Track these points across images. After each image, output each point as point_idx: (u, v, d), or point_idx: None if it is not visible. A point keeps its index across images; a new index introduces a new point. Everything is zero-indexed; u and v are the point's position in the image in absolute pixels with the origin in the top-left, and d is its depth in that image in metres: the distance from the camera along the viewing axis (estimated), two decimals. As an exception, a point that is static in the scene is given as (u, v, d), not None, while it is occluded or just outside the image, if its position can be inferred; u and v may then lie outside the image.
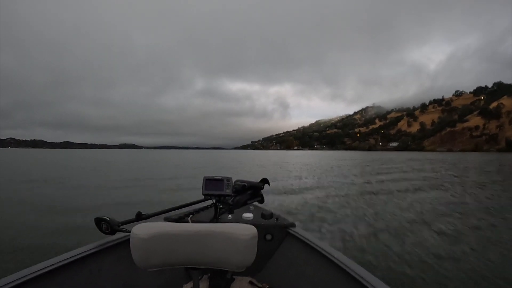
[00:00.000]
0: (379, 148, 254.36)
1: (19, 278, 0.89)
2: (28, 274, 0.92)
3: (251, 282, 1.22)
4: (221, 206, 1.42)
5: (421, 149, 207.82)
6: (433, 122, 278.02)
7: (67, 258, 1.04)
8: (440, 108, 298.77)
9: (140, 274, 1.24)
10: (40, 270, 0.95)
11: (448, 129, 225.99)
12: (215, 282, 0.99)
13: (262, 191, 1.58)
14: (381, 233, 3.88)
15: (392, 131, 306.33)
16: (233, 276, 1.16)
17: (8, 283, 0.86)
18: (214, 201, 1.40)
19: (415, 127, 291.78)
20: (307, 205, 5.90)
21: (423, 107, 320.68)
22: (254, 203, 1.63)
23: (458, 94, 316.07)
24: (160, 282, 1.32)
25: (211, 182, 1.33)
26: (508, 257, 3.06)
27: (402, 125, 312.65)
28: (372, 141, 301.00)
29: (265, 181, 1.58)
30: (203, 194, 1.35)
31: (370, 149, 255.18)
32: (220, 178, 1.34)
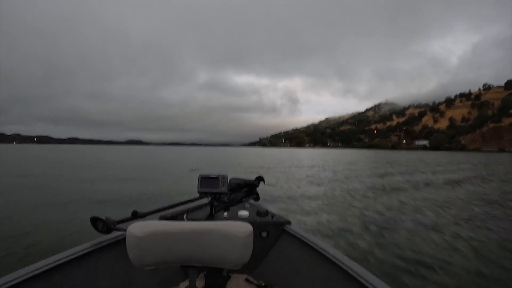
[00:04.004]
0: (404, 147, 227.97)
1: (15, 279, 0.88)
2: (24, 274, 0.91)
3: (247, 280, 1.23)
4: (216, 204, 1.43)
5: (462, 148, 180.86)
6: (463, 118, 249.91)
7: (63, 258, 1.04)
8: (469, 103, 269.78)
9: (136, 272, 1.24)
10: (36, 270, 0.94)
11: (492, 124, 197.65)
12: (212, 280, 0.99)
13: (257, 188, 1.59)
14: (378, 231, 3.96)
15: (417, 128, 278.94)
16: (229, 274, 1.15)
17: (3, 284, 0.85)
18: (209, 199, 1.41)
19: (443, 123, 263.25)
20: (303, 203, 5.95)
21: (449, 102, 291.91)
22: (249, 200, 1.64)
23: (487, 87, 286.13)
24: (157, 281, 1.32)
25: (206, 180, 1.33)
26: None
27: (427, 121, 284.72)
28: (394, 138, 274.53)
29: (260, 179, 1.59)
30: (198, 192, 1.35)
31: (393, 147, 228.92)
32: (216, 176, 1.34)
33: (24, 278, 0.90)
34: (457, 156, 45.50)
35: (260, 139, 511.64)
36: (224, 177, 1.34)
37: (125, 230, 0.79)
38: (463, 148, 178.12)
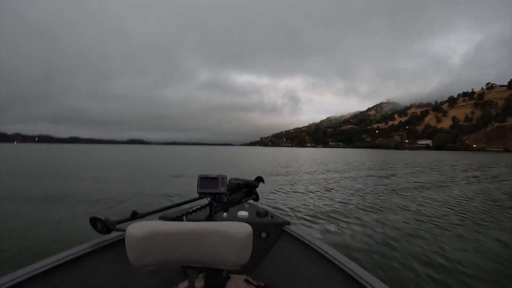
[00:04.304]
0: (406, 147, 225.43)
1: (14, 279, 0.87)
2: (23, 275, 0.90)
3: (246, 280, 1.23)
4: (216, 204, 1.41)
5: (466, 148, 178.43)
6: (467, 117, 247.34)
7: (63, 258, 1.03)
8: (472, 102, 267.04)
9: (136, 273, 1.23)
10: (35, 270, 0.93)
11: (496, 124, 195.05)
12: (211, 281, 0.99)
13: (257, 189, 1.59)
14: (377, 230, 3.96)
15: (419, 127, 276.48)
16: (229, 274, 1.16)
17: (2, 284, 0.84)
18: (209, 199, 1.40)
19: (446, 123, 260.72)
20: (302, 203, 5.94)
21: (452, 101, 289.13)
22: (249, 201, 1.63)
23: (490, 87, 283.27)
24: (156, 281, 1.32)
25: (206, 181, 1.32)
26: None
27: (429, 120, 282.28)
28: (396, 138, 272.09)
29: (260, 179, 1.58)
30: (198, 193, 1.34)
31: (396, 147, 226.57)
32: (215, 176, 1.33)
33: (23, 278, 0.89)
34: (470, 156, 43.36)
35: (261, 139, 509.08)
36: (224, 178, 1.34)
37: (124, 230, 0.76)
38: (467, 148, 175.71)
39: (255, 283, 1.24)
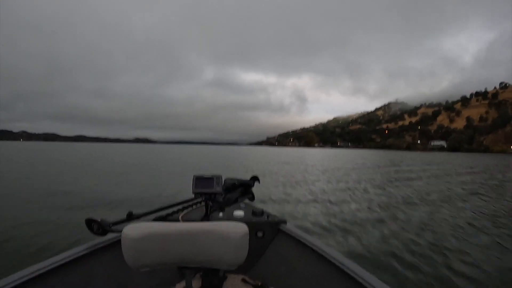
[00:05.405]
0: (419, 148, 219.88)
1: (10, 283, 0.86)
2: (19, 279, 0.89)
3: (243, 280, 1.23)
4: (211, 204, 1.42)
5: (484, 149, 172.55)
6: (481, 118, 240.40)
7: (59, 261, 1.02)
8: (486, 102, 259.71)
9: (132, 274, 1.22)
10: (31, 274, 0.93)
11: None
12: (208, 281, 0.98)
13: (252, 188, 1.59)
14: (374, 228, 3.98)
15: (431, 128, 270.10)
16: (226, 274, 1.16)
17: None
18: (204, 199, 1.40)
19: (459, 123, 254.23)
20: (298, 202, 6.01)
21: (465, 101, 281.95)
22: (244, 200, 1.64)
23: (503, 86, 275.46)
24: (153, 282, 1.31)
25: (201, 181, 1.32)
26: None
27: (442, 120, 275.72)
28: (408, 138, 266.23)
29: (255, 178, 1.59)
30: (193, 193, 1.34)
31: (408, 148, 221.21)
32: (210, 176, 1.33)
33: (19, 282, 0.88)
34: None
35: (268, 138, 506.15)
36: (219, 177, 1.34)
37: (120, 231, 0.75)
38: (486, 150, 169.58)
39: (252, 282, 1.23)
